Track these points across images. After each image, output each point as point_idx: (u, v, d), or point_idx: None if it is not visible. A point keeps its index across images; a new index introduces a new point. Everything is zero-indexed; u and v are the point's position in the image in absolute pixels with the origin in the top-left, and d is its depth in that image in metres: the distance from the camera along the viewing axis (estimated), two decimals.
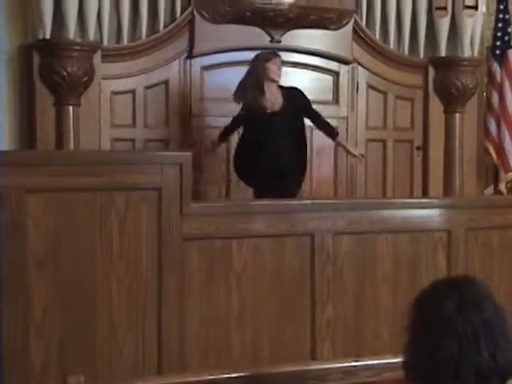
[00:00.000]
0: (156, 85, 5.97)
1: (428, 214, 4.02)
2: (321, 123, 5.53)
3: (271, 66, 5.31)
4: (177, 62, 5.99)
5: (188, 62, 6.00)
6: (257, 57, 5.45)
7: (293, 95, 5.41)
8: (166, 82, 5.98)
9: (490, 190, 6.93)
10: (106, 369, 3.39)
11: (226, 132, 5.63)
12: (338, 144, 5.73)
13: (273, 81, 5.34)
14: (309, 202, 4.01)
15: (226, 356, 3.63)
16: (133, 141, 5.90)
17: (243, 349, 3.66)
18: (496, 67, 6.67)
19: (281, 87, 5.41)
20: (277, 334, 3.72)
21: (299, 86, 6.30)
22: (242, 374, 2.51)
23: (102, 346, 3.39)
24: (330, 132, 5.56)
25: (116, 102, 5.89)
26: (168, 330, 3.46)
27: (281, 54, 6.22)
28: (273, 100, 5.34)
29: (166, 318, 3.46)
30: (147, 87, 5.94)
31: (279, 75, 5.39)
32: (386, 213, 3.95)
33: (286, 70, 6.30)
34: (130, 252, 3.42)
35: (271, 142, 5.23)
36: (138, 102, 5.93)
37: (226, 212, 3.66)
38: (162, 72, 5.95)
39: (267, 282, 3.71)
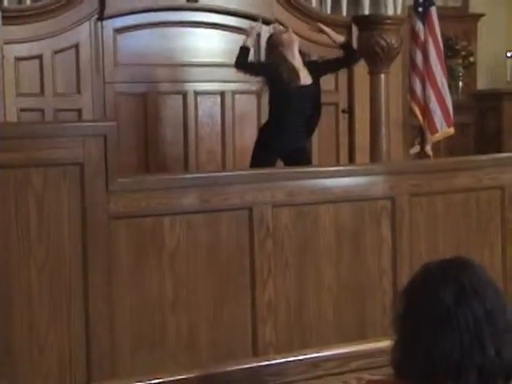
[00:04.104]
0: (65, 49, 5.58)
1: (371, 181, 3.77)
2: (337, 62, 5.41)
3: (283, 36, 5.13)
4: (87, 24, 5.60)
5: (99, 24, 5.63)
6: (269, 42, 5.27)
7: (312, 68, 5.24)
8: (76, 46, 5.59)
9: (415, 149, 6.76)
10: (26, 369, 3.04)
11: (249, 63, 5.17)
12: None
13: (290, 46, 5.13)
14: (245, 172, 3.71)
15: (160, 346, 3.31)
16: (42, 111, 5.51)
17: (179, 337, 3.36)
18: (419, 26, 6.44)
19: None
20: (215, 317, 3.43)
21: (217, 48, 6.00)
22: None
23: (21, 341, 3.05)
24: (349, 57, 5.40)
25: (21, 69, 5.48)
26: (96, 320, 3.14)
27: (197, 14, 5.91)
28: (298, 66, 5.12)
29: (93, 308, 3.14)
30: (55, 52, 5.54)
31: (295, 38, 5.20)
32: (328, 182, 3.68)
33: (203, 31, 5.99)
34: (50, 235, 3.10)
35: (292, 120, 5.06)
36: (46, 69, 5.53)
37: (157, 187, 3.33)
38: (72, 35, 5.56)
39: (203, 262, 3.41)
